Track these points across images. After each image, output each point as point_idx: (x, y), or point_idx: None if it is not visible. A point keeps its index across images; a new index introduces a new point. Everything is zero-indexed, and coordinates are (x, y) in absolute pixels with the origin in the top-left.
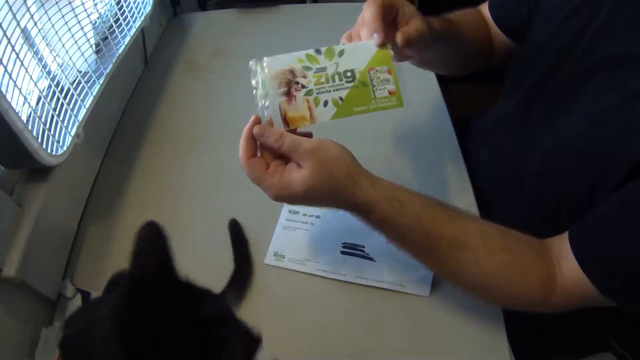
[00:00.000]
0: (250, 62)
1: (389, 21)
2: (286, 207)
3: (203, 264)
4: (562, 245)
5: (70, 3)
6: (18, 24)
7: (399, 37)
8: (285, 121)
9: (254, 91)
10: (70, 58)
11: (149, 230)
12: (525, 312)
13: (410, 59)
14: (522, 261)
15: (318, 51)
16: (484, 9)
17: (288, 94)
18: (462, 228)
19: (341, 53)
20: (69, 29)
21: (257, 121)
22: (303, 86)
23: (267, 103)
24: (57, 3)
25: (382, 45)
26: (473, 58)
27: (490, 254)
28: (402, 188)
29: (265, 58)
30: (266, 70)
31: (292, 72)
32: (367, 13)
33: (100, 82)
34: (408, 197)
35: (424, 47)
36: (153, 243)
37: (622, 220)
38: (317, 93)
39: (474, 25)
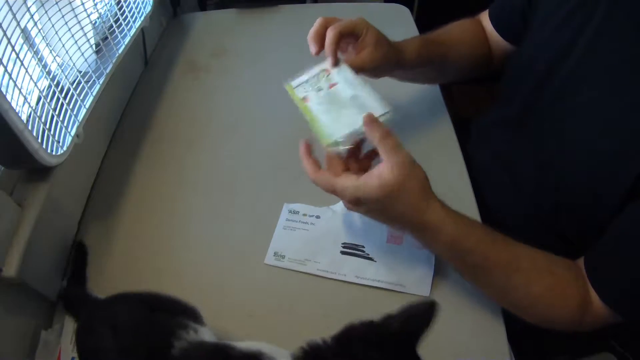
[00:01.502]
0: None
1: (350, 41)
2: (286, 207)
3: (203, 263)
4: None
5: (70, 3)
6: (18, 24)
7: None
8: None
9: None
10: (70, 58)
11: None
12: None
13: (376, 78)
14: (565, 285)
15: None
16: (484, 18)
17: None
18: (515, 253)
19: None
20: (69, 29)
21: (308, 148)
22: None
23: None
24: (57, 3)
25: (334, 65)
26: (468, 68)
27: (539, 278)
28: (463, 214)
29: None
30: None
31: None
32: (327, 38)
33: (100, 82)
34: (470, 221)
35: (378, 73)
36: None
37: (632, 244)
38: None
39: (468, 39)
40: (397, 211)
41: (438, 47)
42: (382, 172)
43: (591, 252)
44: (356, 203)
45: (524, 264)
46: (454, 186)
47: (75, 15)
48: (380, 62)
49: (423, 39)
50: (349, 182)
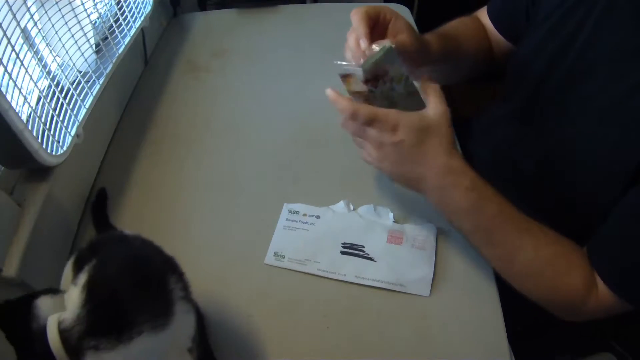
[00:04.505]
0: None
1: (378, 32)
2: (286, 207)
3: (202, 263)
4: None
5: (70, 3)
6: (18, 24)
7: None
8: None
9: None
10: (70, 58)
11: None
12: (529, 312)
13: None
14: (572, 254)
15: None
16: (482, 15)
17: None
18: (526, 216)
19: None
20: (69, 29)
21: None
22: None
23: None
24: (57, 3)
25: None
26: (473, 66)
27: (548, 243)
28: None
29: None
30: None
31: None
32: (354, 20)
33: (100, 82)
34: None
35: (415, 63)
36: None
37: (634, 228)
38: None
39: (472, 35)
40: (428, 146)
41: (452, 41)
42: (425, 111)
43: (593, 238)
44: (394, 129)
45: (534, 227)
46: None
47: (75, 15)
48: (414, 46)
49: (436, 34)
50: (392, 110)
